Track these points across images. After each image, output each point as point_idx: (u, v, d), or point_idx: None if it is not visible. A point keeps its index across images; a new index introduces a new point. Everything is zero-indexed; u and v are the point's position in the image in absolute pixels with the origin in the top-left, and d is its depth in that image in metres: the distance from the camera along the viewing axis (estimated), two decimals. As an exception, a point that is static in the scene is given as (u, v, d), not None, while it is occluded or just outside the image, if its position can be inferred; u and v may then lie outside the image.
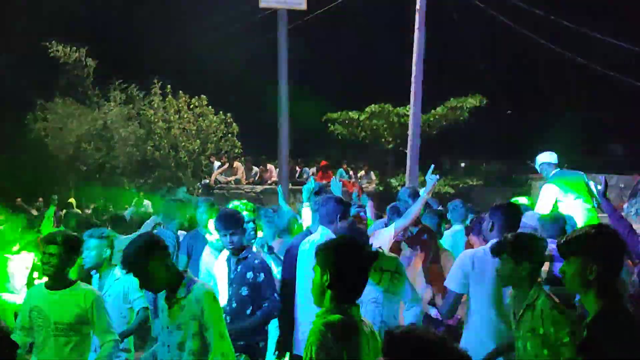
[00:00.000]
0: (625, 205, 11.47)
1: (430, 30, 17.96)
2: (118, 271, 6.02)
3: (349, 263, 3.62)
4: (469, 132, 24.97)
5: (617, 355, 3.22)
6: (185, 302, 4.40)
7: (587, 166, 23.68)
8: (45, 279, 5.24)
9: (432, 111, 24.48)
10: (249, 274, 5.57)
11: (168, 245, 4.63)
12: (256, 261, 5.65)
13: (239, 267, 5.65)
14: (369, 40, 29.69)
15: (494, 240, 5.18)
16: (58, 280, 5.11)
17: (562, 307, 4.37)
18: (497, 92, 25.78)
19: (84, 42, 24.32)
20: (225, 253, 5.95)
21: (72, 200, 20.93)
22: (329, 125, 25.76)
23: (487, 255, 5.05)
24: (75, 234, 5.45)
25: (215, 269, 6.33)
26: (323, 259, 3.65)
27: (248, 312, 5.53)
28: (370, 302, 5.16)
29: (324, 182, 20.46)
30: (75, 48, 24.08)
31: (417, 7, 17.57)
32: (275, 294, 5.63)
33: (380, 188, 22.99)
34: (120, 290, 6.01)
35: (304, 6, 17.34)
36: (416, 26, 17.63)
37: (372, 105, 24.88)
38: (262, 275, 5.57)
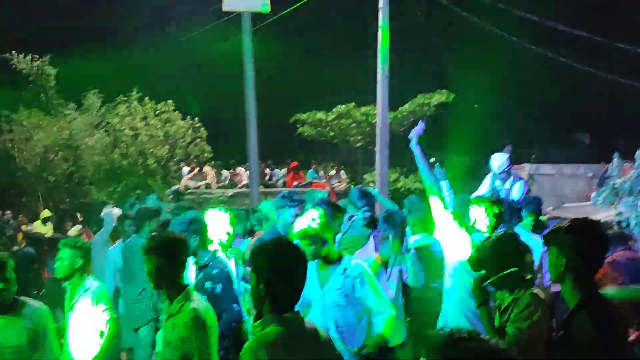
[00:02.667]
0: (592, 195, 11.58)
1: (395, 27, 18.01)
2: (90, 282, 5.93)
3: (284, 267, 3.32)
4: (437, 128, 25.04)
5: (591, 348, 3.24)
6: (176, 320, 4.20)
7: (555, 156, 24.01)
8: None
9: (400, 108, 24.57)
10: (207, 284, 5.43)
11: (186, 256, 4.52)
12: (214, 271, 5.49)
13: (200, 274, 5.56)
14: (335, 40, 29.69)
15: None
16: (3, 302, 4.91)
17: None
18: (463, 86, 25.95)
19: (46, 52, 24.08)
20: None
21: (46, 212, 20.64)
22: (298, 126, 25.78)
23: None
24: (28, 251, 5.24)
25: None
26: (257, 265, 3.36)
27: None
28: (333, 307, 5.13)
29: (296, 182, 20.56)
30: (37, 57, 23.82)
31: (380, 5, 17.60)
32: (235, 305, 5.48)
33: (351, 187, 23.04)
34: (89, 301, 5.86)
35: (267, 8, 17.32)
36: (379, 24, 17.66)
37: (340, 105, 24.95)
38: (219, 286, 5.42)
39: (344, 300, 5.11)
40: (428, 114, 24.50)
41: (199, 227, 5.61)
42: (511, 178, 9.52)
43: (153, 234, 4.54)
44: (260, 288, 3.31)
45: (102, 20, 28.79)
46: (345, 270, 5.17)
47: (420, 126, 5.61)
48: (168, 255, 4.28)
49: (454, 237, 5.35)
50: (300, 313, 3.47)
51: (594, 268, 3.55)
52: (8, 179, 23.68)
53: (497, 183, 9.50)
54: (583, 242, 3.47)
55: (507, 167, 9.43)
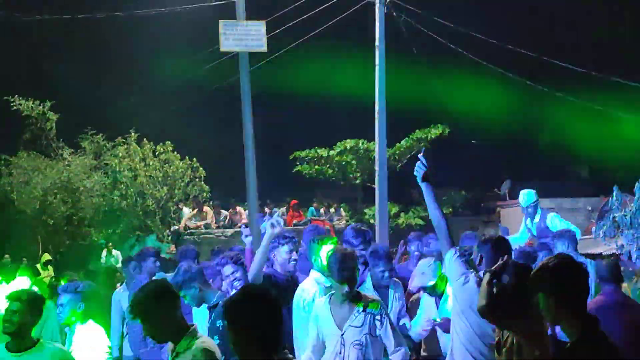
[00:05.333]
0: (593, 228, 11.57)
1: (392, 64, 18.15)
2: (91, 325, 5.86)
3: (263, 316, 3.32)
4: (435, 163, 25.07)
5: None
6: (183, 358, 4.16)
7: (553, 190, 24.01)
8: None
9: (397, 144, 24.62)
10: (219, 322, 5.45)
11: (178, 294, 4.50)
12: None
13: (212, 315, 5.57)
14: (333, 78, 29.83)
15: (481, 273, 5.21)
16: (21, 341, 4.91)
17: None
18: (460, 121, 26.04)
19: (47, 96, 24.17)
20: None
21: (47, 255, 20.55)
22: (297, 164, 25.79)
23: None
24: (40, 294, 5.28)
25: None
26: (230, 318, 3.37)
27: None
28: (354, 345, 5.12)
29: (295, 220, 20.50)
30: (38, 102, 23.86)
31: (376, 43, 17.74)
32: None
33: (352, 223, 23.00)
34: (87, 344, 5.71)
35: (264, 48, 17.38)
36: (376, 62, 17.78)
37: (343, 141, 24.99)
38: None
39: (366, 338, 5.12)
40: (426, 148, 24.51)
41: (193, 276, 5.66)
42: (539, 212, 9.55)
43: (147, 283, 4.51)
44: (239, 339, 3.33)
45: (100, 62, 29.01)
46: (365, 307, 5.17)
47: (421, 161, 5.53)
48: (167, 300, 4.24)
49: (459, 277, 5.32)
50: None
51: (580, 298, 3.58)
52: (7, 222, 23.63)
53: (527, 221, 9.55)
54: (568, 277, 3.50)
55: (534, 202, 9.49)
